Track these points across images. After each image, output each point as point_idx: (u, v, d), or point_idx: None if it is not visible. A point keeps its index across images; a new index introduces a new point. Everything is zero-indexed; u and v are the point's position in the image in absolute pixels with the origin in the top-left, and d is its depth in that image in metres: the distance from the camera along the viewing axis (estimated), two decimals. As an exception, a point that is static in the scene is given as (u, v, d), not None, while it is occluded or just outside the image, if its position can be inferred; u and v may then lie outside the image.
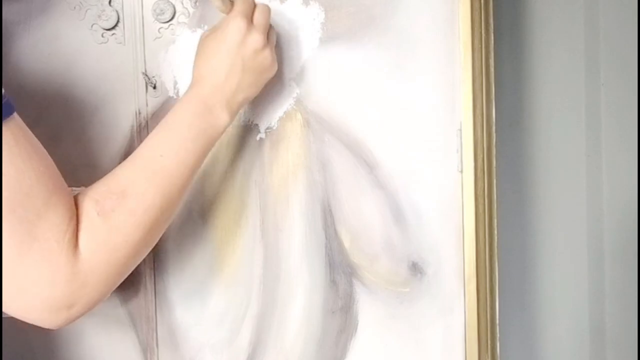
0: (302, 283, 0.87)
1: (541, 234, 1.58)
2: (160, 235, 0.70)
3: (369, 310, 0.87)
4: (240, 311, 0.88)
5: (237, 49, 0.73)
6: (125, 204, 0.64)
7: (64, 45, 0.87)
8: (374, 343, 0.87)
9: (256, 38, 0.74)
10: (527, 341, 1.59)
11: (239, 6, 0.75)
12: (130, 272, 0.67)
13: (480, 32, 0.86)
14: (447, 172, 0.84)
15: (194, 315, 0.89)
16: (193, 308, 0.89)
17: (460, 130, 0.84)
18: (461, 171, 0.84)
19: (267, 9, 0.77)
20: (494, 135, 0.89)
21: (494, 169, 0.89)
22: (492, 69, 0.89)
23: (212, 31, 0.76)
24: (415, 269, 0.86)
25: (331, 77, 0.86)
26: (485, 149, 0.86)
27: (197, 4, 0.86)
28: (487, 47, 0.88)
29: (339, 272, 0.87)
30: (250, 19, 0.75)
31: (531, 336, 1.59)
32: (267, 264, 0.88)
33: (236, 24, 0.73)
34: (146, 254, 0.69)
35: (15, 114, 0.59)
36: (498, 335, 0.90)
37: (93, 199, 0.63)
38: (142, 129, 0.88)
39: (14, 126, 0.58)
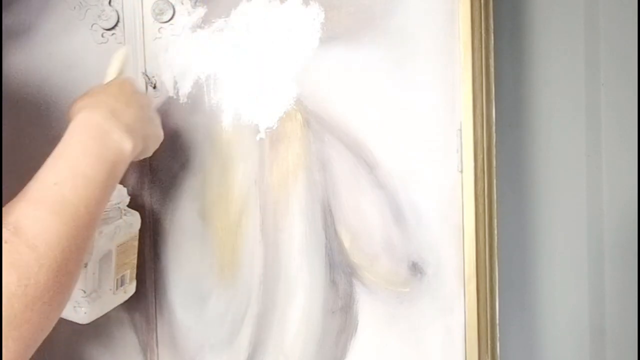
0: (302, 283, 0.87)
1: (541, 234, 1.58)
2: (74, 279, 0.59)
3: (369, 310, 0.87)
4: (240, 311, 0.88)
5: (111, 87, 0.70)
6: (20, 237, 0.54)
7: (64, 45, 0.87)
8: (374, 343, 0.87)
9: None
10: (527, 341, 1.59)
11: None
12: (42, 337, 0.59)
13: (480, 32, 0.86)
14: (447, 172, 0.84)
15: (194, 315, 0.89)
16: (193, 308, 0.89)
17: (460, 130, 0.84)
18: (461, 171, 0.84)
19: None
20: (494, 135, 0.89)
21: (494, 169, 0.89)
22: (492, 69, 0.89)
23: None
24: (415, 269, 0.86)
25: (331, 77, 0.86)
26: (485, 149, 0.86)
27: (197, 3, 0.86)
28: (487, 47, 0.88)
29: (339, 272, 0.87)
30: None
31: (531, 336, 1.59)
32: (267, 264, 0.88)
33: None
34: (58, 310, 0.59)
35: None
36: (498, 335, 0.90)
37: None
38: (142, 129, 0.88)
39: None
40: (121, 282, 0.81)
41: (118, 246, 0.78)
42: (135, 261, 0.83)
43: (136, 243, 0.83)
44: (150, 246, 0.89)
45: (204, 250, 0.88)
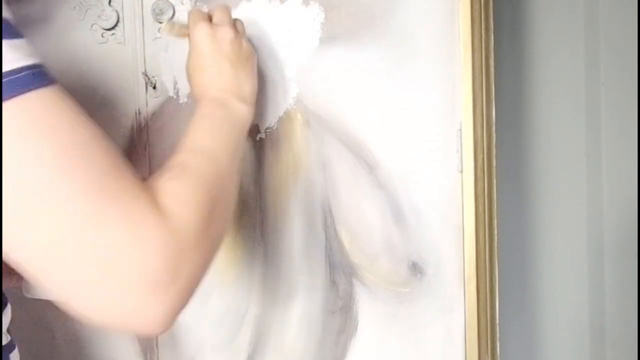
0: (302, 283, 0.87)
1: (541, 234, 1.58)
2: (226, 217, 0.62)
3: (369, 310, 0.87)
4: (240, 311, 0.88)
5: (212, 49, 0.74)
6: (188, 171, 0.57)
7: (64, 45, 0.87)
8: (374, 343, 0.87)
9: (223, 31, 0.74)
10: (527, 341, 1.59)
11: (192, 17, 0.76)
12: (219, 244, 0.58)
13: (480, 32, 0.86)
14: (447, 172, 0.84)
15: (194, 315, 0.89)
16: (193, 308, 0.89)
17: (460, 130, 0.84)
18: (461, 171, 0.84)
19: (224, 7, 0.78)
20: (494, 135, 0.89)
21: (494, 169, 0.89)
22: (492, 69, 0.89)
23: (188, 56, 0.76)
24: (415, 269, 0.86)
25: (331, 77, 0.86)
26: (485, 149, 0.86)
27: (197, 3, 0.86)
28: (487, 47, 0.88)
29: (339, 272, 0.87)
30: (209, 21, 0.76)
31: (531, 336, 1.59)
32: (267, 264, 0.88)
33: (198, 30, 0.74)
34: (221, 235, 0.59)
35: (56, 85, 0.51)
36: (498, 335, 0.90)
37: (155, 175, 0.56)
38: (142, 129, 0.88)
39: (57, 93, 0.50)
40: None
41: None
42: None
43: None
44: (150, 246, 0.89)
45: (204, 250, 0.88)
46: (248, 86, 0.76)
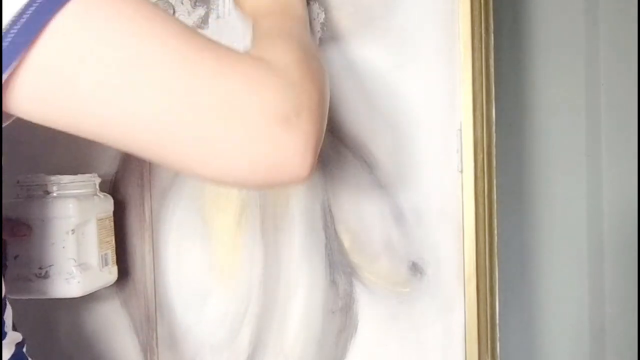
0: (302, 283, 0.87)
1: (541, 234, 1.58)
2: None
3: (369, 310, 0.87)
4: (240, 311, 0.88)
5: None
6: (278, 43, 0.57)
7: (64, 45, 0.87)
8: (374, 343, 0.87)
9: None
10: (527, 341, 1.59)
11: None
12: (324, 85, 0.58)
13: (480, 32, 0.86)
14: (447, 172, 0.84)
15: (194, 315, 0.89)
16: (193, 308, 0.89)
17: (460, 130, 0.84)
18: (461, 171, 0.84)
19: None
20: (494, 135, 0.89)
21: (494, 169, 0.89)
22: (492, 69, 0.89)
23: None
24: (415, 269, 0.86)
25: (331, 77, 0.86)
26: (485, 149, 0.85)
27: (197, 4, 0.86)
28: (487, 47, 0.88)
29: (339, 272, 0.87)
30: None
31: (531, 336, 1.59)
32: (267, 264, 0.88)
33: None
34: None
35: None
36: (498, 335, 0.90)
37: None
38: (142, 129, 0.88)
39: None
40: (105, 261, 0.84)
41: (99, 220, 0.82)
42: (114, 245, 0.86)
43: (112, 225, 0.86)
44: (150, 246, 0.89)
45: (204, 250, 0.88)
46: None
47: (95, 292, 0.84)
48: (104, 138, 0.49)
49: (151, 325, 0.90)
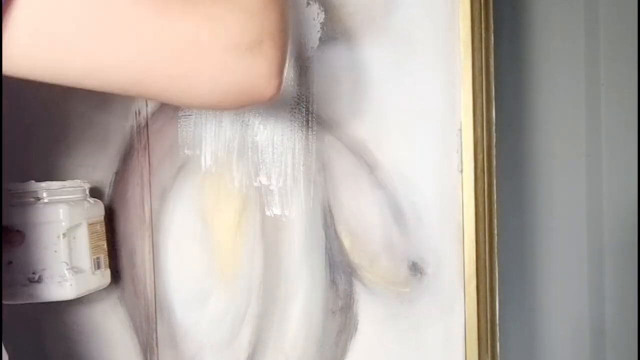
0: (302, 283, 0.87)
1: (541, 234, 1.58)
2: None
3: (369, 310, 0.87)
4: (240, 311, 0.88)
5: None
6: None
7: (64, 45, 0.87)
8: (374, 343, 0.87)
9: None
10: (527, 341, 1.59)
11: None
12: (286, 10, 0.59)
13: (480, 32, 0.86)
14: (447, 172, 0.84)
15: (194, 315, 0.89)
16: (193, 308, 0.89)
17: (460, 130, 0.84)
18: (461, 171, 0.84)
19: None
20: (494, 135, 0.89)
21: (494, 169, 0.89)
22: (492, 69, 0.89)
23: None
24: (415, 269, 0.86)
25: (331, 77, 0.86)
26: (485, 149, 0.86)
27: (197, 4, 0.86)
28: (487, 47, 0.88)
29: (339, 272, 0.87)
30: None
31: (531, 336, 1.59)
32: (267, 264, 0.88)
33: None
34: None
35: None
36: (498, 335, 0.90)
37: None
38: (142, 129, 0.88)
39: None
40: (97, 265, 0.84)
41: (89, 225, 0.83)
42: (106, 249, 0.87)
43: (104, 230, 0.86)
44: (150, 246, 0.89)
45: (204, 250, 0.88)
46: None
47: (96, 292, 0.84)
48: (88, 85, 0.53)
49: (151, 325, 0.90)
